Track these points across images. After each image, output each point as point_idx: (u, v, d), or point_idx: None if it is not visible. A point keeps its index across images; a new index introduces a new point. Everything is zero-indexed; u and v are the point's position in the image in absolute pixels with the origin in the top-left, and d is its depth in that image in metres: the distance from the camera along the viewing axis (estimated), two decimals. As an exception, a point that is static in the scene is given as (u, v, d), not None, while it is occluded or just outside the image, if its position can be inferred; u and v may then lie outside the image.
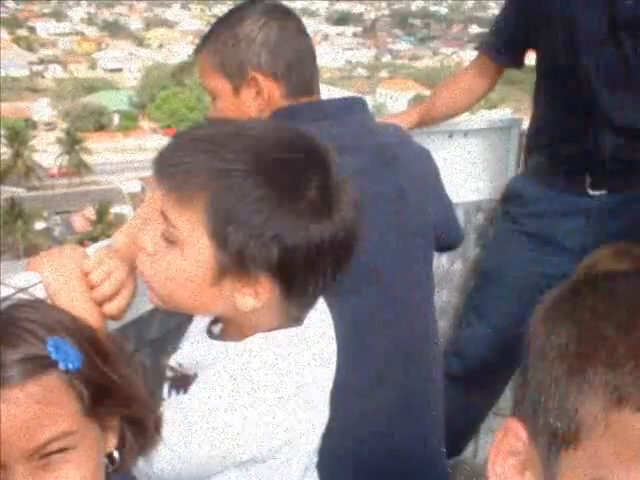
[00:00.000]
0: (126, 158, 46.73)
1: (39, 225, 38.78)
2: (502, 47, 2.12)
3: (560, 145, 2.05)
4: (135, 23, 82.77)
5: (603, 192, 2.02)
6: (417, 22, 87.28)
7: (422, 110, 2.19)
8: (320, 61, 1.61)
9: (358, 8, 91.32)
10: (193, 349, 1.06)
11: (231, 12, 1.51)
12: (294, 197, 0.93)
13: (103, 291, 1.11)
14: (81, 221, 39.18)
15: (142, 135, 52.24)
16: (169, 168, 0.96)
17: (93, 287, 1.11)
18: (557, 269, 2.01)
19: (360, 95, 1.72)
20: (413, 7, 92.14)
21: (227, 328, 1.05)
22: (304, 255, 0.93)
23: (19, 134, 44.50)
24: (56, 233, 38.59)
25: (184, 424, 0.96)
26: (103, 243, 1.28)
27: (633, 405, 0.53)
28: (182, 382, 1.05)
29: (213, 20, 1.56)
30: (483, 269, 2.29)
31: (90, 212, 38.73)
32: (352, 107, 1.47)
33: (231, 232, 0.92)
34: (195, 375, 1.03)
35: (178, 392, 1.06)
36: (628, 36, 1.88)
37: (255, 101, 1.45)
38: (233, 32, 1.45)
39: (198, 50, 1.52)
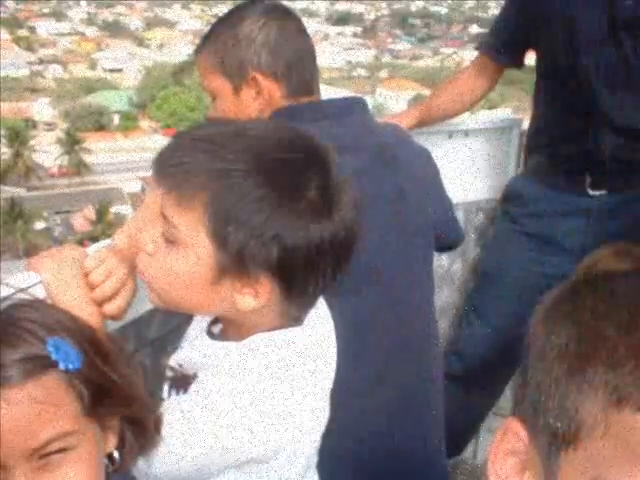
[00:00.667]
0: (126, 158, 46.72)
1: (39, 225, 38.79)
2: (502, 47, 2.12)
3: (560, 145, 2.05)
4: (135, 23, 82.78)
5: (603, 192, 2.02)
6: (417, 22, 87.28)
7: (422, 110, 2.19)
8: (320, 61, 1.61)
9: (358, 8, 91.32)
10: (193, 349, 1.06)
11: (231, 12, 1.51)
12: (294, 197, 0.93)
13: (103, 291, 1.11)
14: (81, 221, 39.18)
15: (142, 135, 52.26)
16: (169, 168, 0.96)
17: (93, 287, 1.11)
18: (557, 269, 2.01)
19: (360, 95, 1.72)
20: (413, 7, 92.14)
21: (227, 328, 1.05)
22: (304, 255, 0.93)
23: (19, 134, 44.51)
24: (56, 233, 38.59)
25: (184, 424, 0.96)
26: (103, 243, 1.28)
27: (633, 405, 0.53)
28: (182, 382, 1.05)
29: (213, 20, 1.56)
30: (483, 269, 2.29)
31: (90, 212, 38.73)
32: (352, 107, 1.47)
33: (231, 232, 0.92)
34: (195, 375, 1.03)
35: (178, 392, 1.05)
36: (628, 36, 1.88)
37: (255, 101, 1.45)
38: (233, 32, 1.45)
39: (198, 50, 1.52)
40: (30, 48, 70.89)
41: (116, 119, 54.52)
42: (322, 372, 1.05)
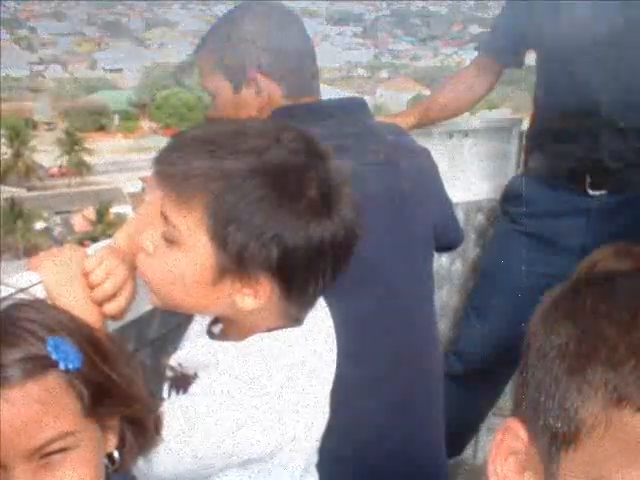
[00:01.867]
0: (126, 158, 46.67)
1: (39, 225, 38.74)
2: (502, 47, 2.13)
3: (560, 145, 2.05)
4: (135, 23, 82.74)
5: (603, 192, 2.02)
6: (417, 22, 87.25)
7: (422, 110, 2.19)
8: (320, 61, 1.61)
9: (358, 8, 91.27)
10: (193, 349, 1.06)
11: (231, 12, 1.51)
12: (294, 197, 0.93)
13: (103, 291, 1.11)
14: (81, 221, 39.15)
15: (142, 135, 52.22)
16: (169, 168, 0.96)
17: (93, 287, 1.11)
18: (557, 269, 2.01)
19: (360, 95, 1.72)
20: (413, 7, 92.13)
21: (227, 328, 1.05)
22: (304, 255, 0.93)
23: (19, 134, 44.47)
24: (56, 233, 38.54)
25: (184, 424, 0.96)
26: (103, 243, 1.28)
27: (633, 405, 0.53)
28: (182, 382, 1.05)
29: (213, 20, 1.56)
30: (483, 269, 2.29)
31: (90, 212, 38.70)
32: (352, 107, 1.47)
33: (231, 232, 0.92)
34: (195, 375, 1.03)
35: (178, 392, 1.05)
36: (628, 36, 1.88)
37: (255, 101, 1.45)
38: (233, 32, 1.45)
39: (198, 50, 1.52)
40: (30, 48, 70.88)
41: (116, 119, 54.47)
42: (322, 372, 1.05)
